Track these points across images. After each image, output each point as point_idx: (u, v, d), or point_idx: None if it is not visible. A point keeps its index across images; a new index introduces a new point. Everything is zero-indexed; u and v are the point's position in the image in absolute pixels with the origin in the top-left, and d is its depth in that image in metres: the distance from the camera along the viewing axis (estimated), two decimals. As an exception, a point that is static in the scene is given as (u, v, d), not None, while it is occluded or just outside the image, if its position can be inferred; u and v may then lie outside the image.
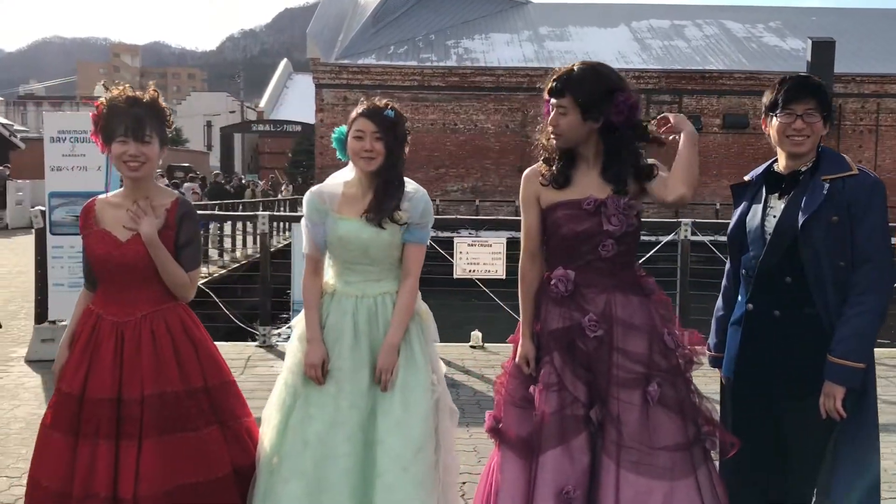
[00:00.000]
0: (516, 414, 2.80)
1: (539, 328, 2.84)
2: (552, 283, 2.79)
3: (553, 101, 2.69)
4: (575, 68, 2.71)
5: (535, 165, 2.90)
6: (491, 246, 7.57)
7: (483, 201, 26.75)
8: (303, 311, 3.07)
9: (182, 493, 2.77)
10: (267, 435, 2.97)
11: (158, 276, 2.86)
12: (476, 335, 7.62)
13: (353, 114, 2.95)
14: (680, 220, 7.55)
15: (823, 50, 26.92)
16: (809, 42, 27.21)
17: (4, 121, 29.64)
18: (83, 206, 2.99)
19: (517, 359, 2.85)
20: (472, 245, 7.51)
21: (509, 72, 27.58)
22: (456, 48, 29.46)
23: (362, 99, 2.99)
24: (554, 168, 2.78)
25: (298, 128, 37.86)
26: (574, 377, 2.69)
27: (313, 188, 3.06)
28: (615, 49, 29.22)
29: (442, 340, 8.32)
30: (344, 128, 3.01)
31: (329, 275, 3.05)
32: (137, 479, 2.73)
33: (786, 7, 33.48)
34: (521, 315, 2.91)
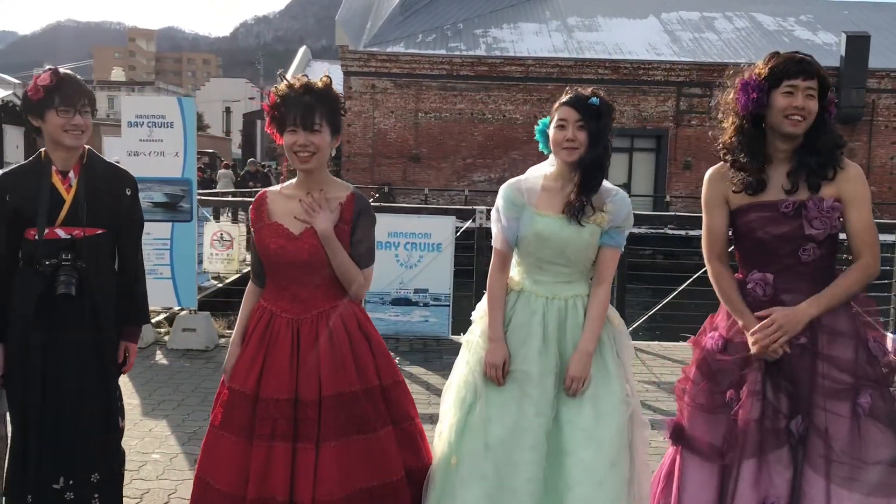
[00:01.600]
0: (705, 419, 2.65)
1: (727, 333, 2.70)
2: (748, 286, 2.65)
3: (804, 83, 2.54)
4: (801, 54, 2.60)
5: (718, 165, 2.76)
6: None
7: (511, 192, 26.54)
8: (484, 307, 2.96)
9: (359, 498, 2.67)
10: (444, 433, 2.87)
11: (333, 272, 2.75)
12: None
13: (557, 103, 2.84)
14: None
15: (858, 44, 26.61)
16: (844, 36, 26.90)
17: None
18: (257, 196, 2.90)
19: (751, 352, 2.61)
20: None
21: (539, 62, 27.32)
22: (484, 37, 29.20)
23: (568, 88, 2.87)
24: (749, 171, 2.63)
25: (321, 115, 37.70)
26: (775, 387, 2.55)
27: (510, 180, 2.93)
28: (645, 40, 28.92)
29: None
30: (547, 119, 2.90)
31: (515, 271, 2.94)
32: (316, 484, 2.63)
33: (817, 0, 33.02)
34: (737, 316, 2.65)
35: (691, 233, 17.78)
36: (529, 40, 28.96)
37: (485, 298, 3.01)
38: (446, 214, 7.59)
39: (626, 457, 2.72)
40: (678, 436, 2.72)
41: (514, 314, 2.88)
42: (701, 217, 2.81)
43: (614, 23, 30.54)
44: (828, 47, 28.64)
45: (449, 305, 7.44)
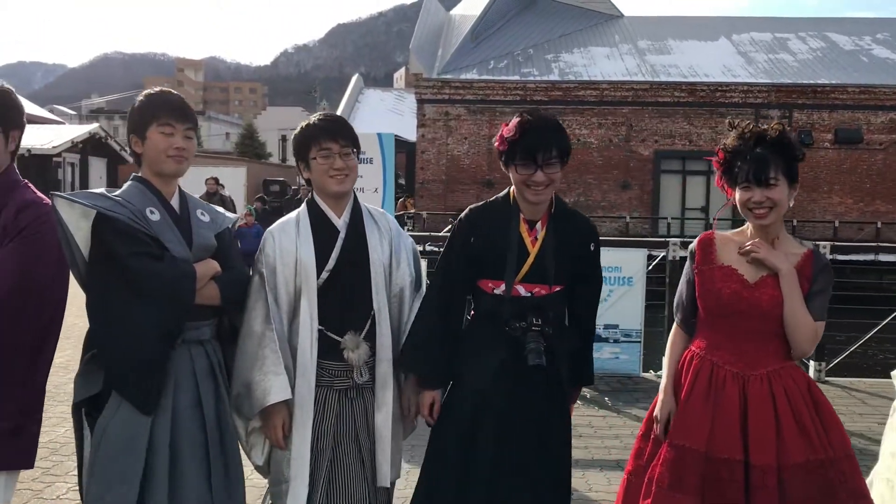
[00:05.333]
0: None
1: None
2: None
3: None
4: None
5: None
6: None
7: (590, 217, 26.24)
8: None
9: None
10: None
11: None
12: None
13: None
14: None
15: (943, 62, 26.03)
16: (929, 55, 26.33)
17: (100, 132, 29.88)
18: (701, 238, 2.74)
19: None
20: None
21: (614, 85, 27.11)
22: (556, 62, 29.13)
23: None
24: None
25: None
26: None
27: None
28: (720, 62, 28.60)
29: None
30: None
31: None
32: None
33: (891, 19, 32.43)
34: None
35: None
36: (602, 64, 28.82)
37: None
38: (638, 247, 7.37)
39: None
40: None
41: None
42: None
43: (686, 45, 30.28)
44: (910, 66, 28.07)
45: (640, 342, 7.20)
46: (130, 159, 2.71)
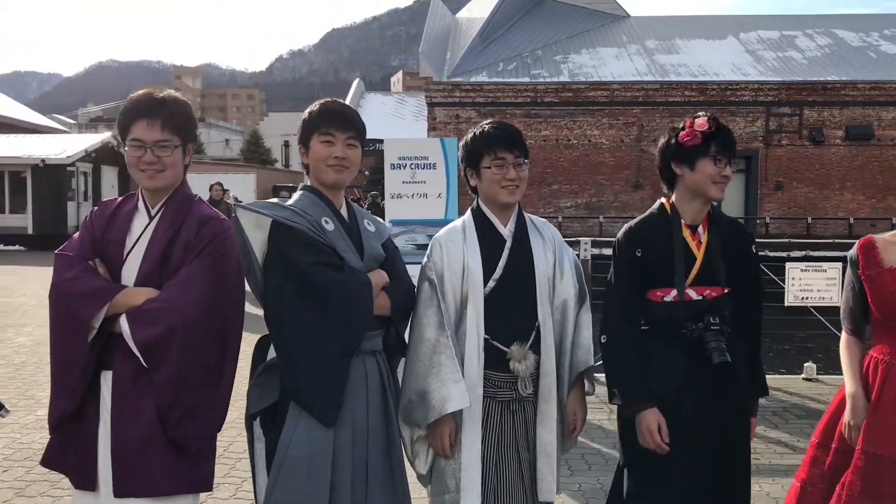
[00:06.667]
0: None
1: None
2: None
3: None
4: None
5: None
6: (826, 271, 7.16)
7: (603, 217, 26.31)
8: None
9: None
10: None
11: None
12: (810, 367, 7.20)
13: None
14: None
15: (952, 58, 26.07)
16: (939, 50, 26.37)
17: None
18: (862, 243, 2.70)
19: None
20: (804, 270, 7.11)
21: (625, 86, 27.13)
22: (565, 63, 29.13)
23: None
24: None
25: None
26: None
27: None
28: (729, 61, 28.62)
29: (773, 371, 7.88)
30: None
31: None
32: None
33: (897, 15, 32.53)
34: None
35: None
36: (611, 64, 28.83)
37: None
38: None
39: None
40: None
41: None
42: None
43: (694, 44, 30.30)
44: (919, 61, 28.12)
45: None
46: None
